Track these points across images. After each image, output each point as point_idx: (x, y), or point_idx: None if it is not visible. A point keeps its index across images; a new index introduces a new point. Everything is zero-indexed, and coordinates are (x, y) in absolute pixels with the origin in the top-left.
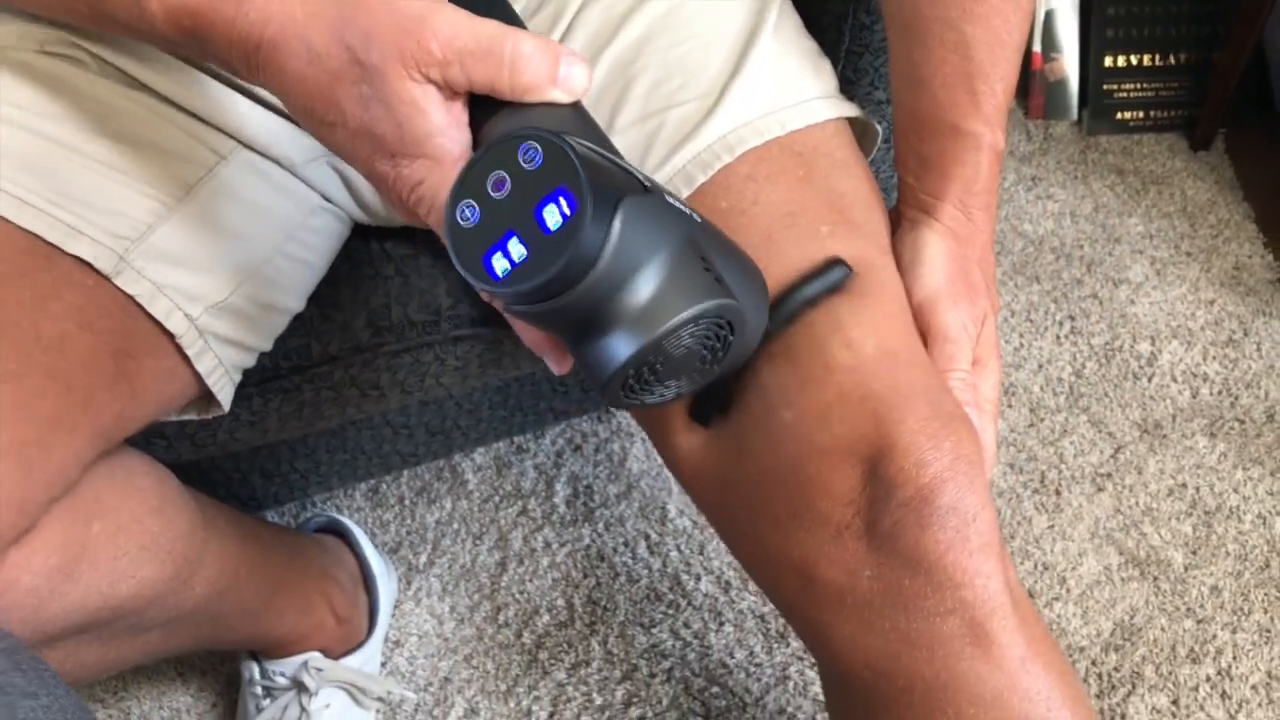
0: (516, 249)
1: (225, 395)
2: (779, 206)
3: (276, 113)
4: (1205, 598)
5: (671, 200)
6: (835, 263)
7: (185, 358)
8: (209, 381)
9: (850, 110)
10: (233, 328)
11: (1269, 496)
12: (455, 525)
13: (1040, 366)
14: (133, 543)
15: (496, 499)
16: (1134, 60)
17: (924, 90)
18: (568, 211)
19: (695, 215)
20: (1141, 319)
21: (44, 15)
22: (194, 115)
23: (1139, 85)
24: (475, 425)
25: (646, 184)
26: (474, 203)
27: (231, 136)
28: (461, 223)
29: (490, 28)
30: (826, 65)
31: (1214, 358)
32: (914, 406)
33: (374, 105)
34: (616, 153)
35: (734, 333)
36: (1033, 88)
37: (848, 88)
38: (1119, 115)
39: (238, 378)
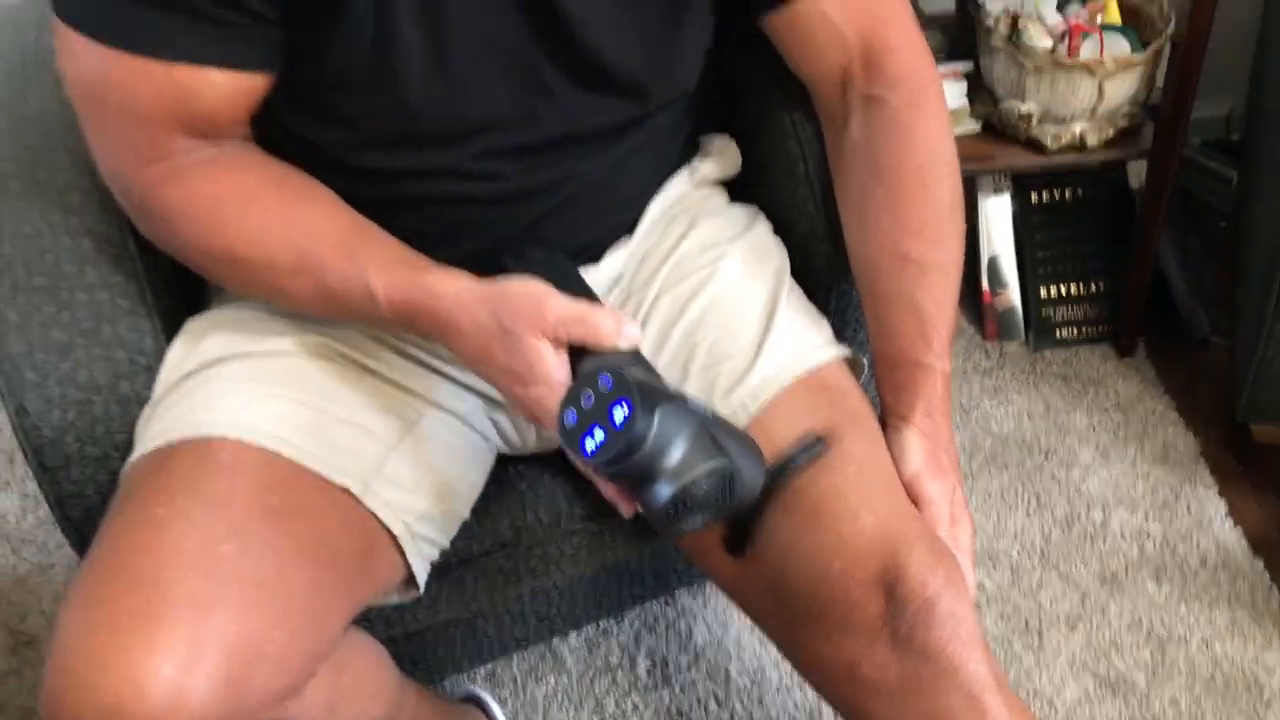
0: (598, 435)
1: (423, 580)
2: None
3: (451, 381)
4: (1166, 709)
5: (693, 404)
6: (816, 439)
7: (401, 553)
8: (415, 569)
9: (844, 351)
10: (430, 530)
11: (1209, 625)
12: (560, 697)
13: (1015, 536)
14: (366, 690)
15: (591, 673)
16: (1064, 290)
17: (892, 340)
18: (627, 412)
19: (708, 411)
20: (1093, 493)
21: (297, 311)
22: (399, 386)
23: (1070, 309)
24: (572, 611)
25: (675, 394)
26: (573, 409)
27: (424, 399)
28: (566, 422)
29: (581, 305)
30: (824, 321)
31: (1154, 519)
32: (915, 547)
33: (514, 354)
34: (659, 378)
35: (734, 482)
36: (986, 317)
37: (839, 334)
38: (1058, 333)
39: (428, 569)
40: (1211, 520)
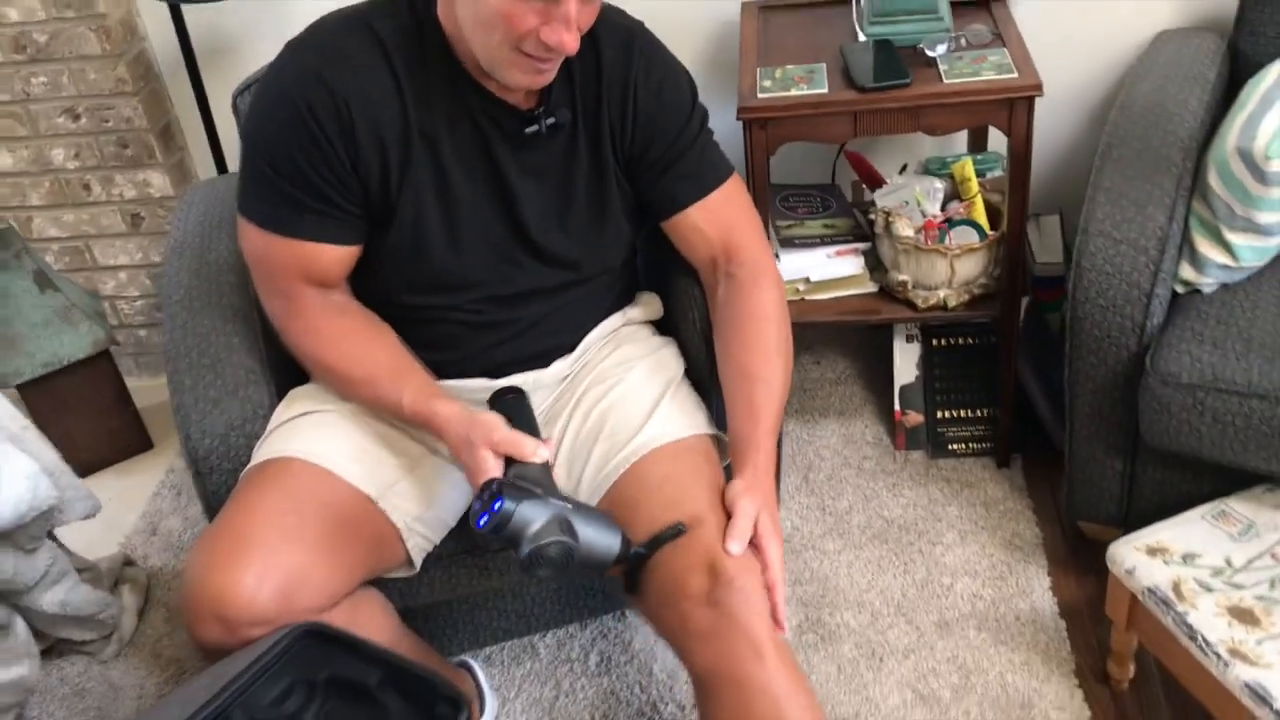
0: (489, 517)
1: (418, 563)
2: (676, 481)
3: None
4: (959, 716)
5: (555, 501)
6: (679, 526)
7: (402, 542)
8: (411, 554)
9: (712, 430)
10: (423, 529)
11: (1008, 662)
12: (532, 677)
13: (880, 591)
14: (372, 626)
15: (556, 662)
16: (957, 413)
17: (733, 423)
18: (500, 504)
19: (569, 505)
20: (947, 564)
21: (341, 394)
22: (412, 438)
23: (961, 428)
24: (548, 615)
25: (544, 494)
26: (477, 500)
27: (426, 447)
28: (473, 508)
29: (515, 435)
30: (702, 414)
31: (989, 586)
32: (729, 558)
33: (471, 454)
34: (550, 483)
35: (573, 553)
36: (897, 432)
37: (720, 423)
38: (951, 446)
39: (422, 556)
40: (1034, 591)
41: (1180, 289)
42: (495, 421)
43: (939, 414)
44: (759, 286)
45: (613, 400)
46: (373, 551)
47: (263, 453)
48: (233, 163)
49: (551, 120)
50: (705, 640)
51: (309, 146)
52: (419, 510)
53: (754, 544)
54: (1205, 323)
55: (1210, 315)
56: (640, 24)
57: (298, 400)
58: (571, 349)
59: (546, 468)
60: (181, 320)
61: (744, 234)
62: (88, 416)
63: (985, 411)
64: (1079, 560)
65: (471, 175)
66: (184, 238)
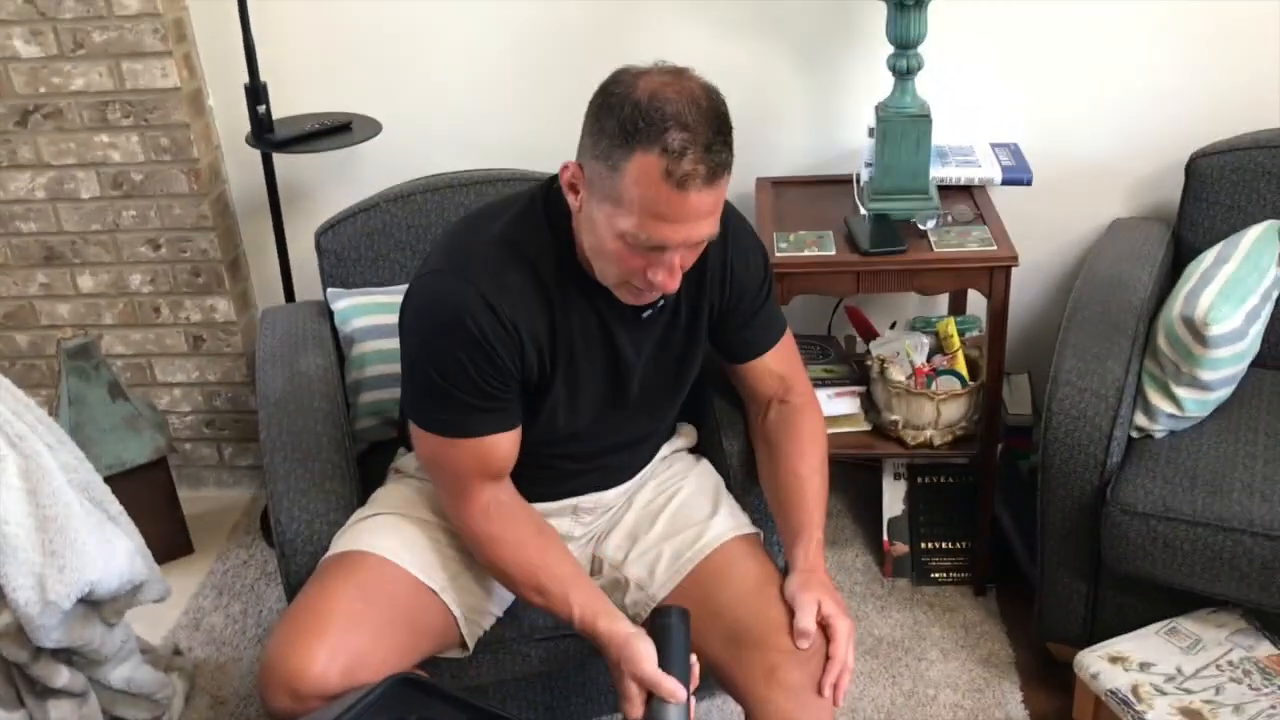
0: None
1: (471, 645)
2: (746, 574)
3: None
4: None
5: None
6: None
7: (459, 628)
8: (466, 637)
9: (753, 530)
10: (477, 618)
11: None
12: None
13: (872, 700)
14: None
15: None
16: (940, 545)
17: (789, 518)
18: None
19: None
20: (931, 678)
21: (511, 591)
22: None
23: (943, 559)
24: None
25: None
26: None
27: None
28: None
29: (658, 675)
30: (742, 511)
31: (968, 698)
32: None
33: (621, 680)
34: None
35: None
36: (885, 561)
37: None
38: (933, 575)
39: (475, 639)
40: (1009, 703)
41: (1135, 434)
42: (644, 654)
43: (923, 545)
44: (812, 412)
45: (677, 505)
46: (430, 636)
47: (340, 544)
48: (301, 292)
49: (662, 303)
50: (788, 694)
51: (482, 362)
52: (475, 601)
53: (822, 625)
54: (1157, 462)
55: (1161, 456)
56: (726, 202)
57: (378, 501)
58: (636, 472)
59: (683, 708)
60: (278, 419)
61: (799, 371)
62: (140, 518)
63: (964, 544)
64: (1048, 677)
65: (592, 353)
66: (273, 350)
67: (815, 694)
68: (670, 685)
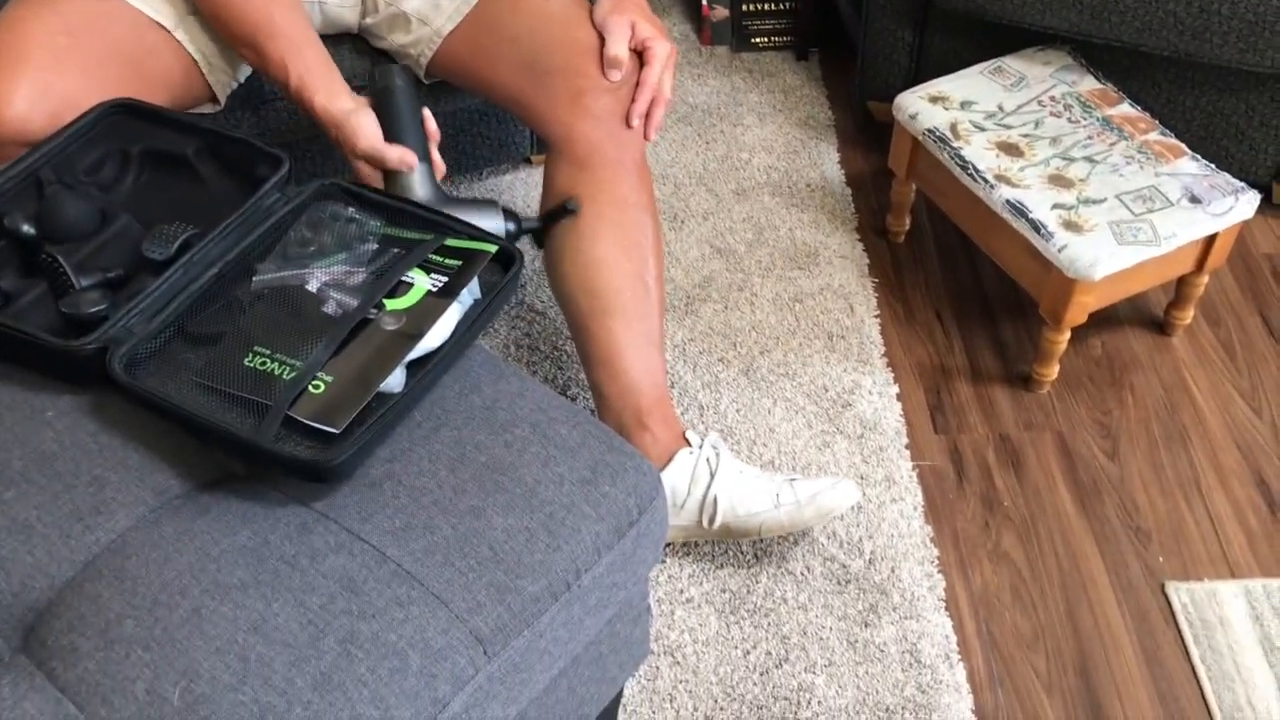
0: None
1: (223, 99)
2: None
3: None
4: (753, 265)
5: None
6: (571, 204)
7: (204, 77)
8: (214, 87)
9: None
10: (226, 64)
11: (797, 221)
12: None
13: (684, 166)
14: None
15: None
16: (762, 6)
17: None
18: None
19: (445, 202)
20: (746, 142)
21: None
22: None
23: (764, 22)
24: None
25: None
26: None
27: None
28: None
29: (380, 148)
30: None
31: (782, 159)
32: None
33: (351, 163)
34: (421, 188)
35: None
36: (703, 27)
37: None
38: (754, 40)
39: (227, 92)
40: (824, 164)
41: None
42: (362, 129)
43: (744, 6)
44: None
45: None
46: (164, 85)
47: None
48: None
49: None
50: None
51: None
52: (221, 46)
53: (638, 51)
54: None
55: None
56: None
57: None
58: None
59: (423, 171)
60: None
61: None
62: None
63: (788, 4)
64: (867, 139)
65: None
66: None
67: (625, 125)
68: (396, 154)
